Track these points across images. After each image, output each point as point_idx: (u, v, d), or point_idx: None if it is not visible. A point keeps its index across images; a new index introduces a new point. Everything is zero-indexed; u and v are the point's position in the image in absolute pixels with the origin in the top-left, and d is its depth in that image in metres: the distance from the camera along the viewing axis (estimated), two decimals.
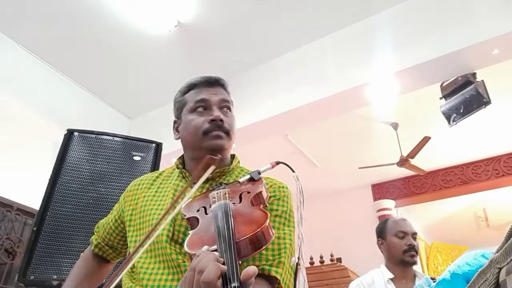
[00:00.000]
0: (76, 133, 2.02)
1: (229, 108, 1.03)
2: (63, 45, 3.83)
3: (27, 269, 1.70)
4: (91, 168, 1.96)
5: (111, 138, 2.07)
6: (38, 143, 3.56)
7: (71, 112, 4.05)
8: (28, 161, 3.45)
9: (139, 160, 2.06)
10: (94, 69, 4.15)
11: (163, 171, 1.10)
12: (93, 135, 2.06)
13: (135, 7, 3.44)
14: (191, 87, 1.05)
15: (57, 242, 1.78)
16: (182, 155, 1.07)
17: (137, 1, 3.38)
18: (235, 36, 3.78)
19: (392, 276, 1.83)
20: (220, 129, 0.97)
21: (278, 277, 0.80)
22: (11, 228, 3.23)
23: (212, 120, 0.97)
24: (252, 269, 0.55)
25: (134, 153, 2.06)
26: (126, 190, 1.10)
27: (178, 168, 1.04)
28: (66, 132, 2.02)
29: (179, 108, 1.06)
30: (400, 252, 1.83)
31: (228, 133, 0.98)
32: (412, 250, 1.82)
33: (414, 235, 1.87)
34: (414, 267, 1.91)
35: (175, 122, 1.08)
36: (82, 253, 1.14)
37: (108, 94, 4.53)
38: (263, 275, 0.80)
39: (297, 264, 0.85)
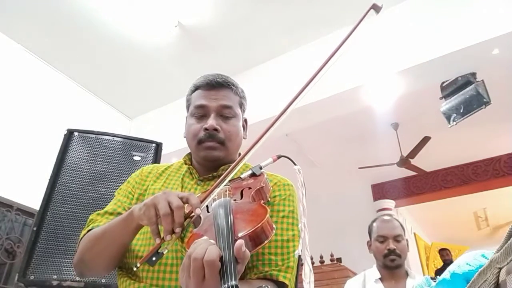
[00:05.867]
0: (76, 133, 2.02)
1: (230, 113, 0.99)
2: (63, 45, 3.83)
3: (27, 269, 1.69)
4: (91, 168, 1.95)
5: (111, 138, 2.07)
6: (38, 143, 3.56)
7: (71, 112, 4.05)
8: (28, 161, 3.45)
9: (139, 160, 2.06)
10: (94, 69, 4.15)
11: (172, 165, 1.09)
12: (93, 135, 2.06)
13: (135, 8, 3.44)
14: (195, 88, 1.03)
15: (57, 242, 1.77)
16: (190, 152, 1.07)
17: (138, 2, 3.38)
18: (235, 36, 3.78)
19: (380, 276, 1.85)
20: (213, 139, 0.95)
21: (287, 282, 0.81)
22: (11, 228, 3.23)
23: (206, 129, 0.95)
24: (239, 243, 0.59)
25: (134, 153, 2.06)
26: (135, 174, 1.06)
27: (186, 164, 1.04)
28: (66, 132, 2.01)
29: (187, 106, 1.06)
30: (381, 257, 1.83)
31: (222, 143, 0.96)
32: (392, 254, 1.79)
33: (396, 237, 1.82)
34: (408, 266, 1.91)
35: (186, 118, 1.06)
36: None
37: (108, 94, 4.53)
38: (271, 280, 0.80)
39: (299, 258, 0.85)
